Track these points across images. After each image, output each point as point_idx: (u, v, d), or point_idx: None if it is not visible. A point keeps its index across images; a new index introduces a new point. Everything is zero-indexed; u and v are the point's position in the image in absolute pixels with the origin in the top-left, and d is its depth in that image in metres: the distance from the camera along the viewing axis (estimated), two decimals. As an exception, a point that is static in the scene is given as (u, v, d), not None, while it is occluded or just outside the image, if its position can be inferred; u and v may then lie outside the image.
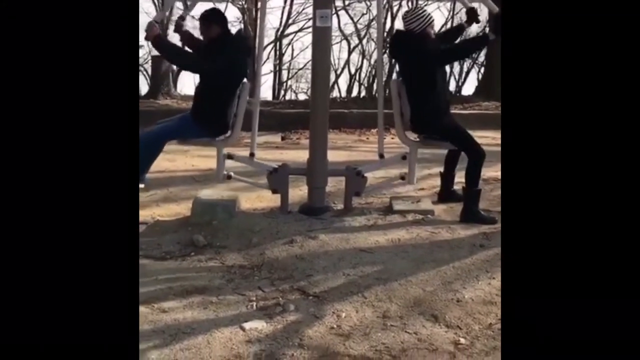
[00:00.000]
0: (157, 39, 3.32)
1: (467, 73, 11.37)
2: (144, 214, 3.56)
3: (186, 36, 3.65)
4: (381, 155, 3.68)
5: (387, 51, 4.93)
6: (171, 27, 9.25)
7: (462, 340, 2.09)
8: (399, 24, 9.14)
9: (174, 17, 8.85)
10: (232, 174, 3.62)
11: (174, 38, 4.09)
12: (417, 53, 3.38)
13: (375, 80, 9.27)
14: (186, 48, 3.75)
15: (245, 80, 3.51)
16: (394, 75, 7.84)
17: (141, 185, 3.45)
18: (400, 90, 3.51)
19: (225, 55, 3.29)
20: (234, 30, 3.63)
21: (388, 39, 4.46)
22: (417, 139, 3.62)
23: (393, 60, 8.90)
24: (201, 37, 3.49)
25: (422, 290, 2.49)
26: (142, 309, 2.30)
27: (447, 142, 3.50)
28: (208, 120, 3.41)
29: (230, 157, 3.57)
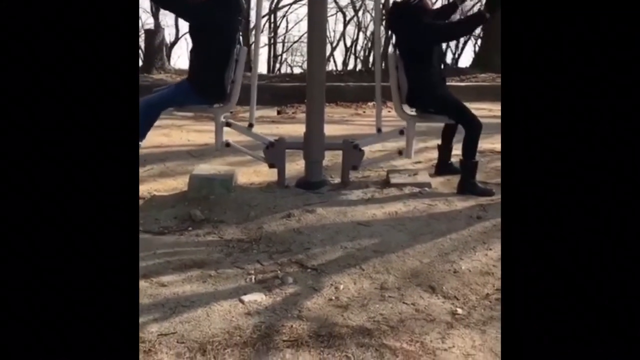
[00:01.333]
0: None
1: (464, 45, 11.27)
2: (142, 189, 3.56)
3: None
4: (379, 130, 3.67)
5: (384, 23, 4.86)
6: None
7: (460, 311, 2.11)
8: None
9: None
10: (230, 141, 3.59)
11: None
12: (413, 28, 3.33)
13: (372, 53, 9.19)
14: None
15: (241, 44, 3.45)
16: (391, 48, 7.78)
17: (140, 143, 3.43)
18: (398, 64, 3.48)
19: (216, 10, 3.24)
20: None
21: (384, 11, 4.36)
22: (414, 113, 3.61)
23: (390, 32, 8.84)
24: None
25: (419, 262, 2.51)
26: (142, 283, 2.31)
27: (444, 116, 3.49)
28: (204, 86, 3.37)
29: (228, 124, 3.54)
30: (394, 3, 3.58)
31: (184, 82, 3.47)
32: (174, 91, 3.46)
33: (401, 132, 3.61)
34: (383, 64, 4.51)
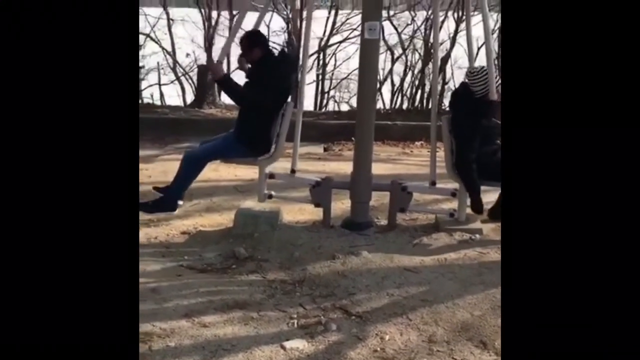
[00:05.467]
0: (223, 80, 3.39)
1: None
2: (187, 223, 3.57)
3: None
4: (432, 183, 3.58)
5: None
6: (217, 37, 9.39)
7: (514, 371, 1.97)
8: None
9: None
10: (273, 193, 3.57)
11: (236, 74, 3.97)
12: (467, 119, 3.28)
13: (419, 92, 9.13)
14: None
15: (289, 99, 3.50)
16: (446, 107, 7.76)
17: (180, 203, 3.51)
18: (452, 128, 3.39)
19: (272, 82, 3.30)
20: (275, 50, 3.63)
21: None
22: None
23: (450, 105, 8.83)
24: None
25: (470, 314, 2.38)
26: (183, 322, 2.28)
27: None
28: (251, 140, 3.41)
29: (272, 176, 3.55)
30: (462, 83, 3.52)
31: (230, 135, 3.52)
32: (221, 143, 3.52)
33: (453, 195, 3.50)
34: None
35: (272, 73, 3.32)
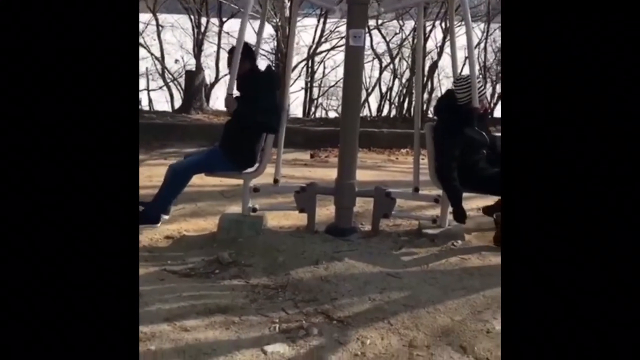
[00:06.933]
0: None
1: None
2: (172, 228, 3.57)
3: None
4: (416, 189, 3.62)
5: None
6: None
7: (492, 375, 2.00)
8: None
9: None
10: (257, 206, 3.58)
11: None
12: (449, 126, 3.31)
13: (406, 100, 9.20)
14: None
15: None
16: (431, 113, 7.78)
17: (165, 217, 3.54)
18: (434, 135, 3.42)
19: (270, 102, 3.37)
20: (262, 65, 3.65)
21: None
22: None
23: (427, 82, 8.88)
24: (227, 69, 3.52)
25: (451, 320, 2.40)
26: (165, 326, 2.28)
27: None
28: (237, 154, 3.45)
29: (256, 190, 3.56)
30: (448, 91, 3.55)
31: (216, 149, 3.55)
32: (206, 157, 3.56)
33: (436, 201, 3.54)
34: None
35: (268, 93, 3.38)
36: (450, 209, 3.36)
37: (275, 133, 3.50)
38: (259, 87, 3.37)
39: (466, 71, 3.91)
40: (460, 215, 3.27)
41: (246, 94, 3.38)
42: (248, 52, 3.43)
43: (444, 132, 3.34)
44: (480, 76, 7.89)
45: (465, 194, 3.31)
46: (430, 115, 8.33)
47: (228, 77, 3.68)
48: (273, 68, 3.72)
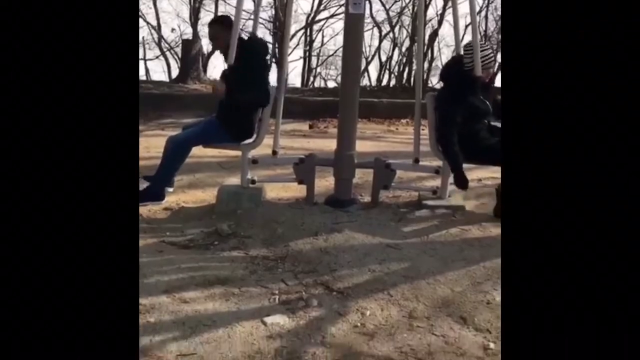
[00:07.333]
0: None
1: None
2: (170, 200, 3.55)
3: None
4: (416, 160, 3.58)
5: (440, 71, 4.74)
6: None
7: (492, 345, 2.00)
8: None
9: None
10: (256, 178, 3.55)
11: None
12: (454, 92, 3.25)
13: (406, 69, 9.10)
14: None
15: (270, 84, 3.46)
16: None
17: (170, 189, 3.52)
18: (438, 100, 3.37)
19: (259, 75, 3.33)
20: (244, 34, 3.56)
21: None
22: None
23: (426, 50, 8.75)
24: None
25: (451, 290, 2.40)
26: (164, 298, 2.27)
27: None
28: (233, 126, 3.40)
29: (255, 161, 3.52)
30: (454, 57, 3.50)
31: (212, 120, 3.50)
32: (204, 129, 3.51)
33: (436, 172, 3.51)
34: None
35: (254, 63, 3.31)
36: (451, 179, 3.34)
37: (265, 107, 3.42)
38: (245, 58, 3.27)
39: (468, 39, 3.85)
40: (461, 180, 3.24)
41: (234, 67, 3.30)
42: (228, 23, 3.34)
43: (447, 98, 3.29)
44: (489, 44, 7.75)
45: (465, 165, 3.28)
46: (430, 85, 8.24)
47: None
48: (258, 35, 3.61)
